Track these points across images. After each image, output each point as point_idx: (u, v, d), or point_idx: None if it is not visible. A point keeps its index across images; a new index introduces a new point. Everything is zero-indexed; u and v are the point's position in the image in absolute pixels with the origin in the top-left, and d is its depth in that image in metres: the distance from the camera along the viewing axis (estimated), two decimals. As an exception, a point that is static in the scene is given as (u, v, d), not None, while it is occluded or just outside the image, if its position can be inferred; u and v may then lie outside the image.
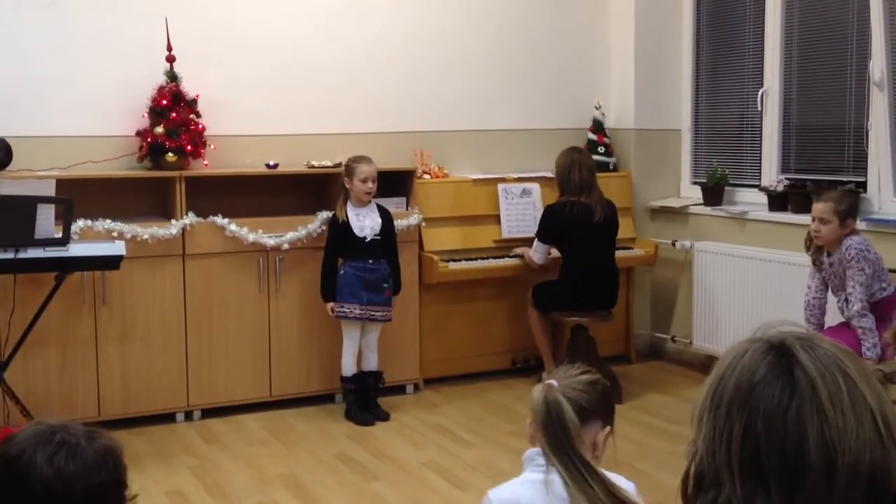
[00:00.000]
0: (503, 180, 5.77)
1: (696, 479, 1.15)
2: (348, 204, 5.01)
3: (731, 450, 1.10)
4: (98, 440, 1.51)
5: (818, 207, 4.41)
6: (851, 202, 4.49)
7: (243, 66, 5.36)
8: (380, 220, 5.03)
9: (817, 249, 4.51)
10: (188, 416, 5.04)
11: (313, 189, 5.45)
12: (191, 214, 4.92)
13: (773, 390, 1.09)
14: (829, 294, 4.59)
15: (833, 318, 4.65)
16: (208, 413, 5.07)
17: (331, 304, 5.00)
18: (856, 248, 4.33)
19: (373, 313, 5.00)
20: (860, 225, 4.72)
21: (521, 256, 5.50)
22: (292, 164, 5.37)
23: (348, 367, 5.07)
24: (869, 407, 1.07)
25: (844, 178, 5.18)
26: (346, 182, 5.00)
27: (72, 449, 1.48)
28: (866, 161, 5.10)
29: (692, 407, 1.17)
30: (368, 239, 4.98)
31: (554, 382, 2.00)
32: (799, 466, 1.06)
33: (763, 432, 1.08)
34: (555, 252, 5.38)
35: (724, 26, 6.01)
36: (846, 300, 4.42)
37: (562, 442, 1.89)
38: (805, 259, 4.72)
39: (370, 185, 4.96)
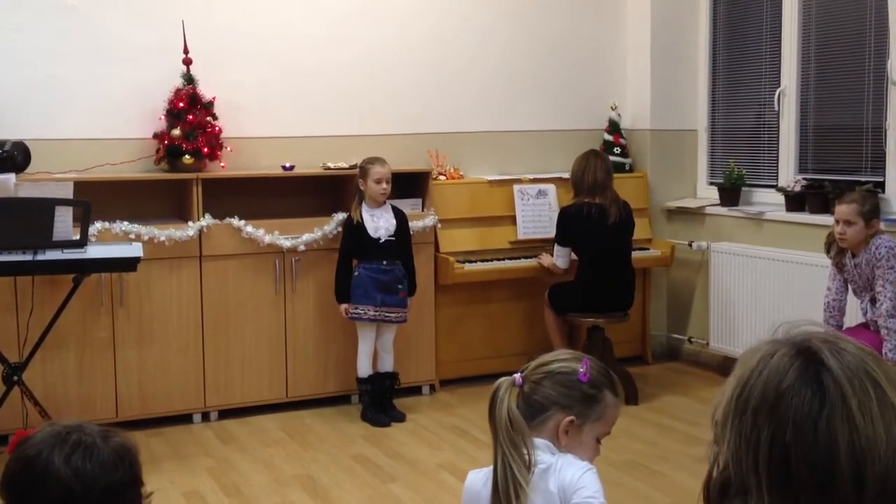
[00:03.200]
0: (519, 181, 5.76)
1: (720, 487, 1.13)
2: (363, 205, 5.02)
3: (758, 458, 1.08)
4: (113, 439, 1.52)
5: (842, 210, 4.36)
6: (874, 202, 4.45)
7: (259, 69, 5.38)
8: (394, 221, 5.04)
9: (839, 251, 4.47)
10: (205, 417, 5.06)
11: (329, 190, 5.46)
12: (207, 216, 4.94)
13: (803, 399, 1.07)
14: (849, 296, 4.56)
15: (850, 319, 4.62)
16: (225, 414, 5.09)
17: (344, 306, 5.01)
18: (886, 247, 4.30)
19: (387, 314, 5.00)
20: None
21: (546, 266, 5.46)
22: (308, 165, 5.38)
23: (363, 369, 5.08)
24: None
25: (862, 179, 5.15)
26: (360, 183, 5.01)
27: (88, 448, 1.49)
28: (884, 161, 5.06)
29: (713, 407, 1.15)
30: (383, 240, 4.98)
31: (518, 377, 2.08)
32: (829, 476, 1.05)
33: (792, 442, 1.06)
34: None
35: (741, 26, 5.99)
36: (872, 300, 4.39)
37: (496, 434, 2.00)
38: (823, 259, 4.69)
39: (384, 185, 4.96)
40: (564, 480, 1.97)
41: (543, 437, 2.04)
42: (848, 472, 1.04)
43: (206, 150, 5.01)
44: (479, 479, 2.08)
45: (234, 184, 5.21)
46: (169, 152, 5.00)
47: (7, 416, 4.38)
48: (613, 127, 6.16)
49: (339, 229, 5.13)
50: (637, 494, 4.02)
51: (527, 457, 1.97)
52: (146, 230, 4.80)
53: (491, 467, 2.03)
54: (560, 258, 5.36)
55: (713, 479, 1.14)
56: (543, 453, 2.01)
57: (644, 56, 6.16)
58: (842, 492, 1.04)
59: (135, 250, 4.49)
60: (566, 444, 2.05)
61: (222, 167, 5.16)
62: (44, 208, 4.22)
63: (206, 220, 4.93)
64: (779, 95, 5.65)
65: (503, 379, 2.06)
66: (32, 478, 1.48)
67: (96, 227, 4.67)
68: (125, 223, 4.78)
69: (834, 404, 1.06)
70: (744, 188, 5.85)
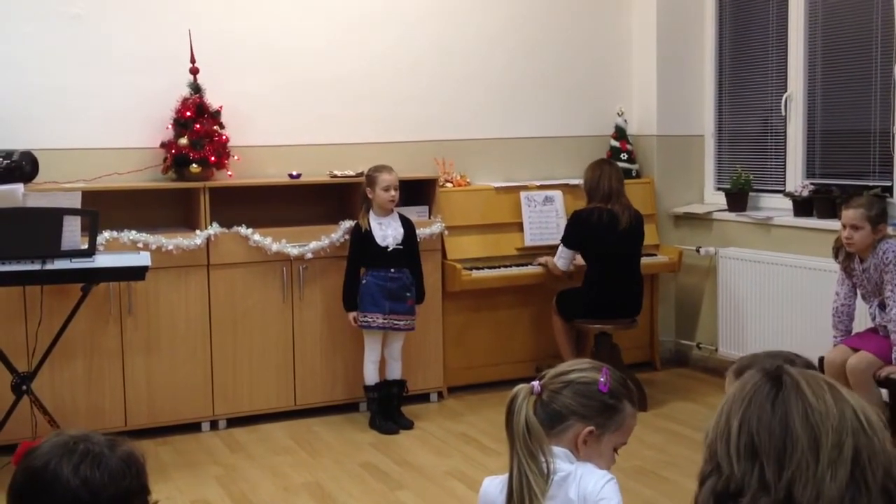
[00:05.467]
0: (525, 188, 5.76)
1: (700, 477, 1.31)
2: (370, 213, 5.02)
3: (729, 442, 1.28)
4: (120, 448, 1.53)
5: (849, 214, 4.35)
6: (882, 207, 4.44)
7: (266, 78, 5.39)
8: (402, 230, 5.04)
9: (848, 256, 4.46)
10: (213, 425, 5.07)
11: (336, 198, 5.47)
12: (215, 225, 4.95)
13: (763, 391, 1.29)
14: (858, 301, 4.54)
15: (859, 324, 4.60)
16: (233, 422, 5.09)
17: (353, 314, 5.01)
18: (893, 252, 4.28)
19: (396, 322, 5.00)
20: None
21: (543, 265, 5.50)
22: (315, 173, 5.39)
23: (370, 376, 5.08)
24: (850, 404, 1.26)
25: (870, 183, 5.14)
26: (367, 192, 5.01)
27: (96, 458, 1.49)
28: (892, 165, 5.05)
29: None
30: (391, 248, 4.99)
31: (536, 385, 2.07)
32: (787, 441, 1.24)
33: (755, 419, 1.27)
34: (579, 260, 5.37)
35: (747, 31, 5.98)
36: (881, 305, 4.37)
37: (512, 442, 1.99)
38: (831, 264, 4.68)
39: (392, 193, 4.97)
40: (587, 489, 1.98)
41: (562, 446, 2.04)
42: (804, 438, 1.23)
43: (213, 158, 5.02)
44: (496, 486, 2.07)
45: (241, 192, 5.23)
46: (176, 161, 5.01)
47: (16, 426, 4.39)
48: (620, 133, 6.16)
49: (346, 237, 5.14)
50: (646, 501, 4.00)
51: (544, 465, 1.96)
52: (154, 239, 4.81)
53: (507, 475, 2.03)
54: (562, 259, 5.36)
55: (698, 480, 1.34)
56: (562, 462, 2.01)
57: (650, 62, 6.16)
58: (799, 453, 1.23)
59: (143, 259, 4.50)
60: (585, 453, 2.06)
61: (229, 176, 5.17)
62: (52, 218, 4.24)
63: (214, 229, 4.95)
64: (785, 100, 5.64)
65: (521, 386, 2.05)
66: (41, 488, 1.48)
67: (104, 236, 4.69)
68: (133, 232, 4.79)
69: (789, 390, 1.28)
70: (751, 193, 5.84)
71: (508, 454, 2.00)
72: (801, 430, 1.24)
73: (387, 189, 4.96)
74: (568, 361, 2.19)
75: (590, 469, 2.02)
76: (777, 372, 1.31)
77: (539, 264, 5.53)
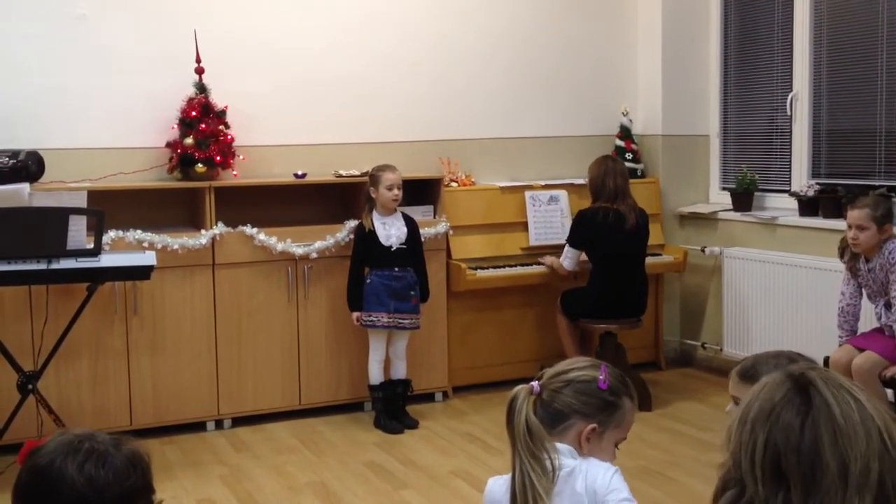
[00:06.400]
0: (530, 188, 5.76)
1: (722, 484, 1.34)
2: (374, 213, 5.03)
3: (754, 458, 1.29)
4: (125, 447, 1.53)
5: (854, 215, 4.35)
6: (887, 207, 4.44)
7: (271, 77, 5.40)
8: (405, 229, 5.05)
9: (853, 256, 4.46)
10: (218, 424, 5.08)
11: (341, 198, 5.47)
12: (220, 224, 4.96)
13: (793, 408, 1.30)
14: (863, 300, 4.53)
15: (865, 324, 4.59)
16: (238, 422, 5.10)
17: (356, 314, 5.01)
18: None
19: (400, 321, 5.01)
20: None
21: (548, 266, 5.49)
22: (320, 173, 5.39)
23: (375, 376, 5.08)
24: (876, 424, 1.29)
25: (876, 183, 5.13)
26: (371, 191, 5.02)
27: (101, 456, 1.49)
28: (898, 165, 5.05)
29: (726, 431, 1.38)
30: (394, 247, 4.99)
31: (535, 385, 2.07)
32: (816, 468, 1.26)
33: (782, 441, 1.28)
34: (584, 258, 5.36)
35: (752, 30, 5.97)
36: (886, 305, 4.37)
37: (514, 443, 2.00)
38: (837, 264, 4.67)
39: (396, 191, 4.97)
40: (595, 482, 1.99)
41: (565, 444, 2.06)
42: (834, 465, 1.25)
43: (218, 158, 5.03)
44: (500, 486, 2.08)
45: (246, 192, 5.23)
46: (182, 161, 5.02)
47: (22, 425, 4.40)
48: (625, 132, 6.16)
49: (351, 236, 5.14)
50: (650, 500, 4.00)
51: (548, 463, 1.97)
52: (159, 239, 4.82)
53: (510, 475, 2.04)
54: (568, 259, 5.36)
55: (717, 483, 1.36)
56: (566, 458, 2.03)
57: (655, 61, 6.16)
58: (829, 481, 1.25)
59: (148, 259, 4.51)
60: (587, 450, 2.07)
61: (235, 175, 5.18)
62: (58, 217, 4.25)
63: (219, 229, 4.95)
64: (791, 100, 5.63)
65: (520, 387, 2.05)
66: (46, 486, 1.48)
67: (110, 235, 4.70)
68: (138, 232, 4.80)
69: (819, 410, 1.29)
70: (756, 193, 5.83)
71: (510, 455, 2.00)
72: (830, 456, 1.26)
73: (390, 188, 4.96)
74: (565, 360, 2.20)
75: (594, 463, 2.04)
76: (804, 382, 1.32)
77: (544, 265, 5.52)
